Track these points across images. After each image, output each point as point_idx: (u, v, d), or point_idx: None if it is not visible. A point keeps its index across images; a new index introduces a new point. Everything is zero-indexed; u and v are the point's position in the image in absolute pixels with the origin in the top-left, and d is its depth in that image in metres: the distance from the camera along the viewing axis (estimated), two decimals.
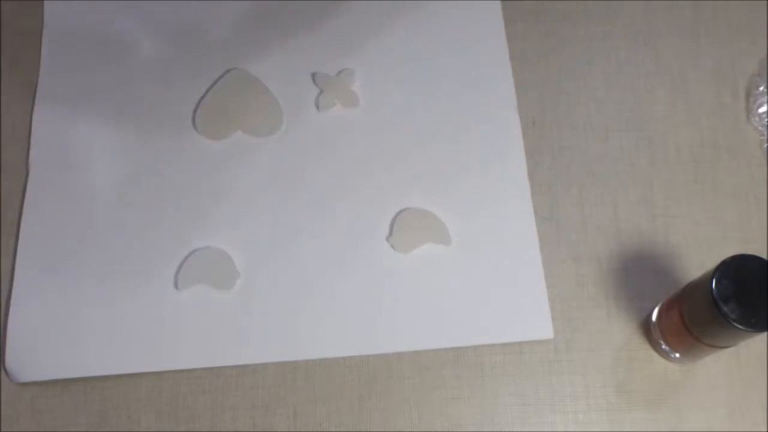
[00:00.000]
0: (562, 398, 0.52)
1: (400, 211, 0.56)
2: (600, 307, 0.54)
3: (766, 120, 0.59)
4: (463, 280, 0.54)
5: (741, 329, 0.42)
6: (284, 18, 0.63)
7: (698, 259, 0.55)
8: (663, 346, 0.52)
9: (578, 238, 0.56)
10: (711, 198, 0.57)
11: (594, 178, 0.58)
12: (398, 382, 0.52)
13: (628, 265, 0.55)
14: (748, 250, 0.44)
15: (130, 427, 0.51)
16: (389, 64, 0.61)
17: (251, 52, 0.61)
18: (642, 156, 0.59)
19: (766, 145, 0.59)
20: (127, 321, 0.53)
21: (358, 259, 0.55)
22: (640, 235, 0.56)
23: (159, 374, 0.52)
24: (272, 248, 0.55)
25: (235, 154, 0.58)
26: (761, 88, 0.60)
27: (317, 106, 0.59)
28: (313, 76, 0.60)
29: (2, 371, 0.52)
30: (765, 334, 0.43)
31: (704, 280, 0.44)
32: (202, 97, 0.60)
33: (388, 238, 0.55)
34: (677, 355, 0.51)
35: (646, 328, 0.53)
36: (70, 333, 0.52)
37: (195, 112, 0.59)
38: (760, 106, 0.60)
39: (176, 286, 0.54)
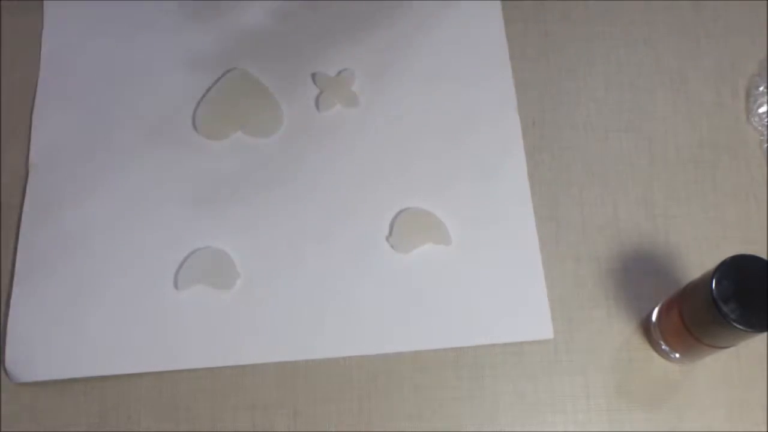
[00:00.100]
0: (562, 398, 0.52)
1: (400, 211, 0.56)
2: (600, 307, 0.54)
3: (766, 120, 0.59)
4: (463, 280, 0.54)
5: (741, 329, 0.42)
6: (284, 18, 0.63)
7: (698, 259, 0.55)
8: (663, 346, 0.52)
9: (578, 238, 0.56)
10: (711, 198, 0.57)
11: (594, 178, 0.58)
12: (398, 382, 0.52)
13: (628, 265, 0.55)
14: (748, 250, 0.44)
15: (130, 427, 0.51)
16: (389, 64, 0.61)
17: (251, 52, 0.62)
18: (642, 156, 0.59)
19: (766, 145, 0.59)
20: (127, 321, 0.53)
21: (358, 259, 0.55)
22: (640, 235, 0.56)
23: (159, 374, 0.52)
24: (272, 248, 0.55)
25: (235, 154, 0.58)
26: (761, 88, 0.60)
27: (317, 106, 0.59)
28: (313, 76, 0.60)
29: (2, 371, 0.52)
30: (765, 334, 0.43)
31: (704, 280, 0.44)
32: (202, 97, 0.60)
33: (388, 238, 0.55)
34: (677, 355, 0.51)
35: (646, 328, 0.53)
36: (70, 333, 0.52)
37: (195, 112, 0.59)
38: (760, 106, 0.60)
39: (176, 286, 0.54)
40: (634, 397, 0.52)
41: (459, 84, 0.60)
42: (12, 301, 0.53)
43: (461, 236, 0.55)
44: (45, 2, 0.64)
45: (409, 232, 0.55)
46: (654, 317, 0.52)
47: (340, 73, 0.60)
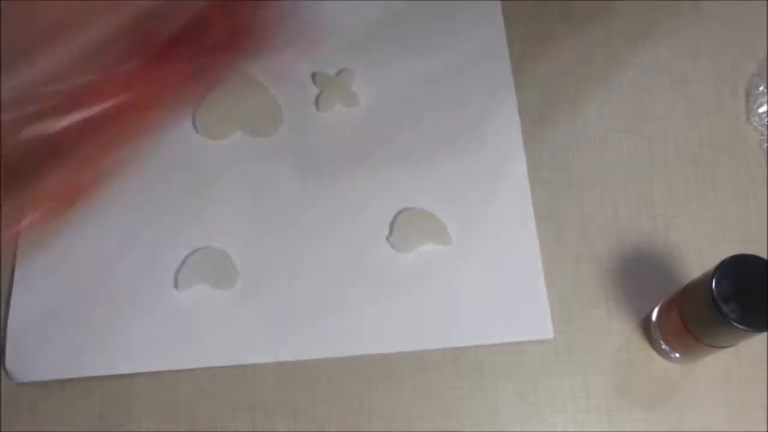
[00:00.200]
0: (562, 398, 0.52)
1: (400, 211, 0.56)
2: (600, 307, 0.54)
3: (766, 120, 0.59)
4: (463, 280, 0.54)
5: (741, 329, 0.42)
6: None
7: (698, 259, 0.55)
8: (663, 346, 0.52)
9: (578, 238, 0.56)
10: (711, 198, 0.57)
11: (594, 178, 0.58)
12: (398, 382, 0.52)
13: (628, 265, 0.55)
14: (748, 250, 0.44)
15: (130, 427, 0.51)
16: (389, 64, 0.61)
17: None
18: (642, 156, 0.59)
19: (766, 145, 0.59)
20: (127, 321, 0.53)
21: (358, 259, 0.55)
22: (640, 235, 0.56)
23: (159, 374, 0.52)
24: (272, 248, 0.55)
25: (235, 154, 0.58)
26: (761, 88, 0.60)
27: (317, 106, 0.59)
28: (313, 76, 0.60)
29: (2, 371, 0.52)
30: (765, 334, 0.43)
31: (704, 280, 0.44)
32: (202, 97, 0.60)
33: (388, 238, 0.55)
34: (677, 355, 0.51)
35: (646, 328, 0.53)
36: (70, 333, 0.52)
37: (195, 112, 0.59)
38: (760, 106, 0.60)
39: (176, 286, 0.54)
40: (634, 397, 0.52)
41: (459, 84, 0.60)
42: (12, 301, 0.53)
43: (461, 236, 0.55)
44: None
45: (409, 232, 0.55)
46: (654, 317, 0.52)
47: (340, 73, 0.60)
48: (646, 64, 0.62)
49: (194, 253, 0.54)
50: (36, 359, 0.52)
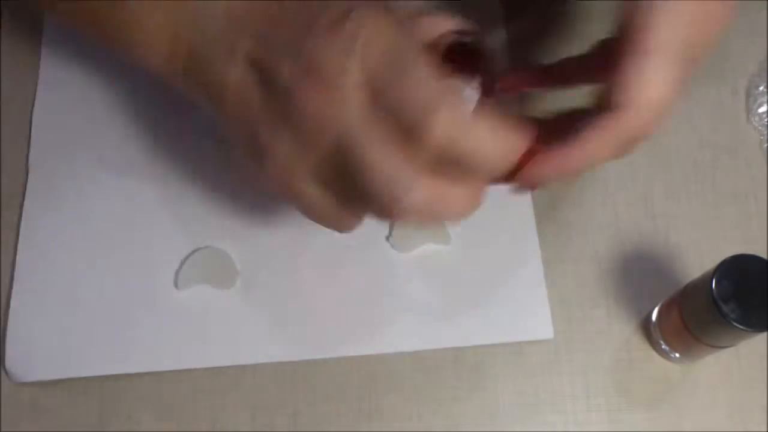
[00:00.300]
0: (562, 398, 0.52)
1: None
2: (600, 307, 0.54)
3: (766, 120, 0.59)
4: (463, 280, 0.54)
5: (741, 329, 0.42)
6: None
7: (698, 259, 0.55)
8: (663, 346, 0.52)
9: (578, 238, 0.56)
10: (711, 198, 0.57)
11: (594, 178, 0.58)
12: (398, 382, 0.52)
13: (628, 265, 0.55)
14: (748, 250, 0.44)
15: (130, 427, 0.51)
16: None
17: None
18: (642, 156, 0.59)
19: (766, 145, 0.59)
20: (127, 321, 0.53)
21: (358, 259, 0.55)
22: (640, 235, 0.56)
23: (159, 374, 0.52)
24: (272, 248, 0.55)
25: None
26: (761, 88, 0.60)
27: None
28: None
29: (2, 371, 0.52)
30: (765, 334, 0.43)
31: (704, 280, 0.44)
32: None
33: (388, 238, 0.55)
34: (677, 355, 0.51)
35: (646, 328, 0.53)
36: (70, 333, 0.52)
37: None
38: (760, 106, 0.60)
39: (176, 286, 0.53)
40: (634, 397, 0.52)
41: None
42: (12, 301, 0.53)
43: (461, 236, 0.55)
44: None
45: (409, 231, 0.55)
46: (654, 317, 0.52)
47: None
48: None
49: (194, 253, 0.54)
50: (36, 359, 0.52)
